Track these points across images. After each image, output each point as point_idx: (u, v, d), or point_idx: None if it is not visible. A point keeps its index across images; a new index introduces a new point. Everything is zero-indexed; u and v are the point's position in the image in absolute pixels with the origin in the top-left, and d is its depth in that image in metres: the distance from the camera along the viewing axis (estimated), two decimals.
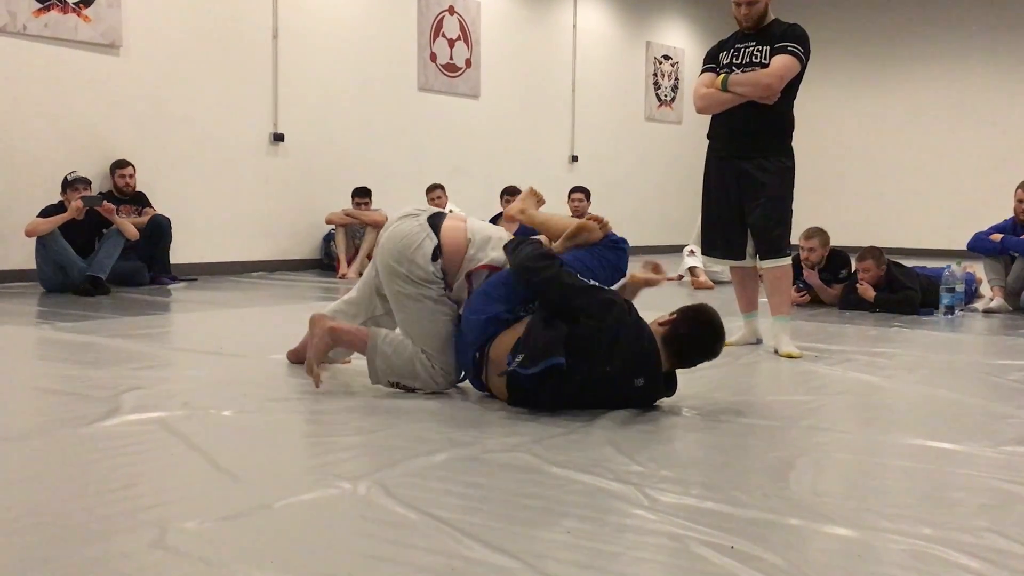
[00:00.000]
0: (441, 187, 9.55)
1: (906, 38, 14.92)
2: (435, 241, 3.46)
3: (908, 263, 7.13)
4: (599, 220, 3.62)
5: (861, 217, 14.71)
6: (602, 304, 3.21)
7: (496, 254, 3.52)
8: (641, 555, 1.95)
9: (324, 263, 9.69)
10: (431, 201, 9.44)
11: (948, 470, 2.67)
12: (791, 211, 4.81)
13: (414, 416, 3.13)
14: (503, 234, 3.65)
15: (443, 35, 10.97)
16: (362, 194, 9.27)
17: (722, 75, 4.72)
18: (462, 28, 11.21)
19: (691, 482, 2.45)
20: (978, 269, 7.34)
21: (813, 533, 2.10)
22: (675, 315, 3.34)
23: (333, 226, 9.52)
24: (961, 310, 6.61)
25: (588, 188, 9.54)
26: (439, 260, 3.45)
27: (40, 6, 7.55)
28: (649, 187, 13.92)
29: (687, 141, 14.38)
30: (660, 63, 14.39)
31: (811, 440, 2.95)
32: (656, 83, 14.37)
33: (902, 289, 6.55)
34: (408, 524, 2.10)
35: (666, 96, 14.53)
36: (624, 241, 3.67)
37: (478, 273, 3.51)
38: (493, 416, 3.18)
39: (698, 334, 3.33)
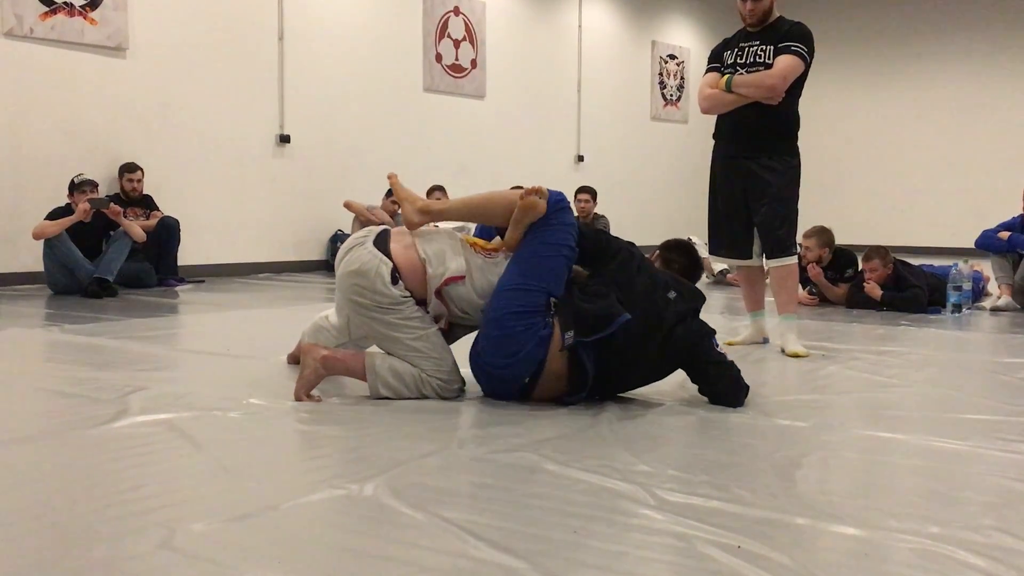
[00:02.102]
0: (441, 188, 9.53)
1: (912, 36, 14.89)
2: (390, 264, 3.34)
3: (915, 261, 7.12)
4: (536, 190, 3.40)
5: (867, 216, 14.69)
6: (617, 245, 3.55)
7: (455, 264, 3.40)
8: (648, 554, 1.95)
9: (331, 264, 9.69)
10: None
11: (955, 469, 2.67)
12: (797, 210, 4.81)
13: (420, 417, 3.14)
14: (452, 240, 3.50)
15: (448, 36, 10.98)
16: None
17: (726, 76, 4.72)
18: (467, 29, 11.21)
19: (697, 481, 2.45)
20: (985, 267, 7.32)
21: (820, 532, 2.10)
22: (657, 254, 3.88)
23: (340, 229, 9.56)
24: (968, 308, 6.60)
25: (594, 188, 9.54)
26: (400, 282, 3.35)
27: (46, 9, 7.57)
28: (655, 186, 13.91)
29: (693, 140, 14.37)
30: (666, 62, 14.39)
31: (818, 439, 2.95)
32: (662, 82, 14.36)
33: (909, 288, 6.54)
34: (415, 524, 2.10)
35: (672, 95, 14.52)
36: (560, 194, 3.50)
37: (447, 289, 3.40)
38: (499, 416, 3.18)
39: (687, 252, 3.88)
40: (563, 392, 3.33)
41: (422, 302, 3.43)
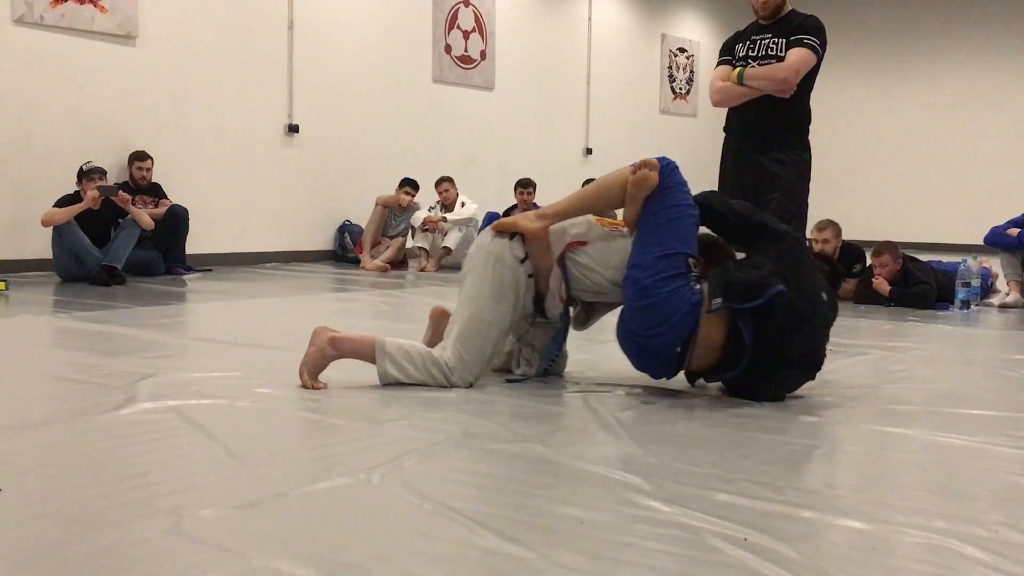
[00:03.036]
0: (450, 180, 9.52)
1: (922, 30, 14.85)
2: (518, 239, 3.37)
3: (923, 257, 7.11)
4: (647, 163, 3.35)
5: (876, 211, 14.66)
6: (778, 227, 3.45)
7: (577, 230, 3.40)
8: (654, 546, 1.95)
9: (338, 254, 9.72)
10: (440, 194, 9.42)
11: (962, 464, 2.67)
12: (807, 204, 4.80)
13: (429, 407, 3.14)
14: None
15: (458, 27, 10.97)
16: (415, 186, 9.37)
17: (738, 69, 4.71)
18: (477, 20, 11.20)
19: (704, 474, 2.45)
20: (994, 264, 7.31)
21: (826, 526, 2.10)
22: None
23: (348, 219, 9.59)
24: (977, 305, 6.59)
25: None
26: (527, 261, 3.35)
27: None
28: None
29: (702, 134, 14.34)
30: (675, 56, 14.36)
31: (825, 433, 2.95)
32: (671, 76, 14.34)
33: (917, 284, 6.53)
34: (422, 514, 2.11)
35: (681, 89, 14.49)
36: (666, 158, 3.44)
37: (569, 255, 3.37)
38: (507, 407, 3.18)
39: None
40: (716, 366, 3.28)
41: (538, 304, 3.42)
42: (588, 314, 3.58)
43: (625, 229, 3.42)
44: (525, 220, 3.41)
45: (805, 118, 4.77)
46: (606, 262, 3.38)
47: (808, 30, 4.62)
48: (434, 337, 3.65)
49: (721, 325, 3.20)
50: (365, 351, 3.38)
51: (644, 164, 3.33)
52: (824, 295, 3.34)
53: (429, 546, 1.92)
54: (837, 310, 3.47)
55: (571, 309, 3.54)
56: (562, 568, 1.82)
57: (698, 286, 3.23)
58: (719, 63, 4.90)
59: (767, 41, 4.69)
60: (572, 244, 3.38)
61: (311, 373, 3.35)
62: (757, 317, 3.17)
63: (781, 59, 4.62)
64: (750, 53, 4.73)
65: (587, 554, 1.89)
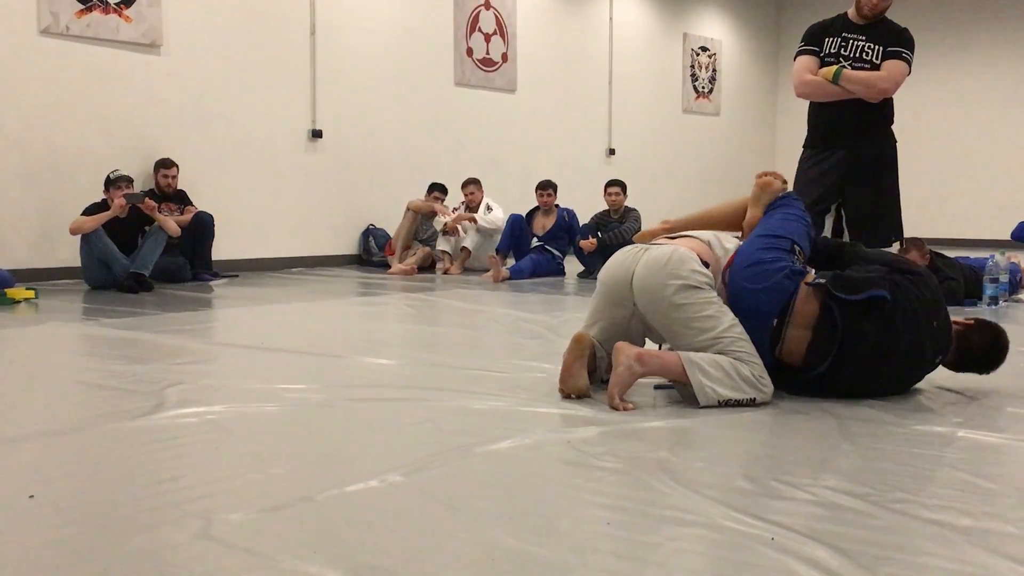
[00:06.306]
0: (476, 182, 9.51)
1: (950, 25, 14.73)
2: (691, 251, 3.32)
3: (951, 253, 7.06)
4: (772, 174, 3.67)
5: (904, 207, 14.54)
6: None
7: (732, 244, 3.48)
8: (681, 546, 1.95)
9: (363, 258, 9.76)
10: (466, 197, 9.41)
11: (991, 461, 2.65)
12: (899, 196, 4.94)
13: (454, 411, 3.15)
14: (719, 233, 3.57)
15: (479, 30, 10.99)
16: (443, 190, 9.40)
17: (835, 67, 4.71)
18: (498, 22, 11.22)
19: (731, 473, 2.44)
20: (1022, 259, 7.24)
21: (854, 523, 2.09)
22: (971, 321, 3.57)
23: (371, 224, 9.61)
24: (1005, 300, 6.53)
25: (625, 181, 9.51)
26: (707, 267, 3.32)
27: (82, 7, 7.65)
28: (687, 179, 13.84)
29: (725, 133, 14.29)
30: (697, 55, 14.31)
31: (850, 431, 2.93)
32: (693, 75, 14.29)
33: (945, 280, 6.47)
34: (448, 515, 2.12)
35: (704, 88, 14.44)
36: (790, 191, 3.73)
37: (730, 270, 3.40)
38: (531, 410, 3.19)
39: (986, 350, 3.52)
40: (804, 359, 3.26)
41: None
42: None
43: None
44: (648, 231, 3.76)
45: (892, 111, 4.86)
46: None
47: (906, 43, 4.74)
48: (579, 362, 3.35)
49: (816, 303, 3.25)
50: (672, 369, 3.19)
51: (769, 174, 3.68)
52: (929, 343, 3.34)
53: (456, 548, 1.93)
54: (936, 363, 3.46)
55: None
56: (589, 569, 1.82)
57: (800, 265, 3.37)
58: (803, 51, 4.85)
59: (862, 44, 4.71)
60: (731, 259, 3.42)
61: (621, 393, 3.16)
62: (852, 312, 3.21)
63: (876, 66, 4.68)
64: (842, 52, 4.74)
65: (614, 554, 1.90)
